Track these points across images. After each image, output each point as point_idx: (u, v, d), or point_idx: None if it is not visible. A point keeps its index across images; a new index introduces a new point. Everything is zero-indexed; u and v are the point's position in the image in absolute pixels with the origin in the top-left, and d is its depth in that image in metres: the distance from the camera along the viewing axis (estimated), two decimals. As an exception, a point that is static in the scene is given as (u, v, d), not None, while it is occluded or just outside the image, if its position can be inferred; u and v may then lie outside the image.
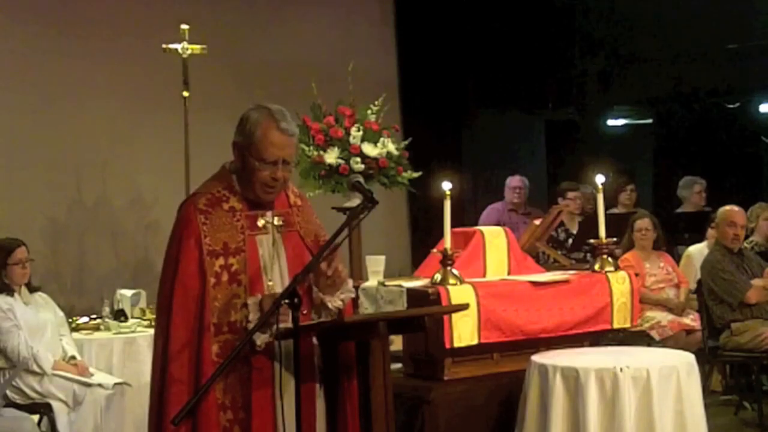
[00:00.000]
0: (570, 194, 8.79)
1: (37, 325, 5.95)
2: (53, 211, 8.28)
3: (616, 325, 5.22)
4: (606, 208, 5.46)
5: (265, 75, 8.97)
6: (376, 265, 5.14)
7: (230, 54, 8.81)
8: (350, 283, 3.58)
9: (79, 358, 6.06)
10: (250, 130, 3.47)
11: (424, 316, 3.73)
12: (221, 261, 3.44)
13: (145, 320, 6.90)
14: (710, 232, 7.92)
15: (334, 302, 3.52)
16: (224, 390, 3.39)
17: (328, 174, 6.25)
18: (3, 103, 7.99)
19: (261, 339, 3.36)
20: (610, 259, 5.32)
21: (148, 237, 8.53)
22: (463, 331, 4.71)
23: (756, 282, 6.90)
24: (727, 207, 7.15)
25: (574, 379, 4.44)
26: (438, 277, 4.80)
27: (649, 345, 6.98)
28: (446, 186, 4.82)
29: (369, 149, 6.26)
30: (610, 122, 12.17)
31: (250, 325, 3.35)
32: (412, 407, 4.66)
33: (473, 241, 5.19)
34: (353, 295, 3.63)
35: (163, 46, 7.57)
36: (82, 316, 6.93)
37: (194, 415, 3.35)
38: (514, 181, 9.46)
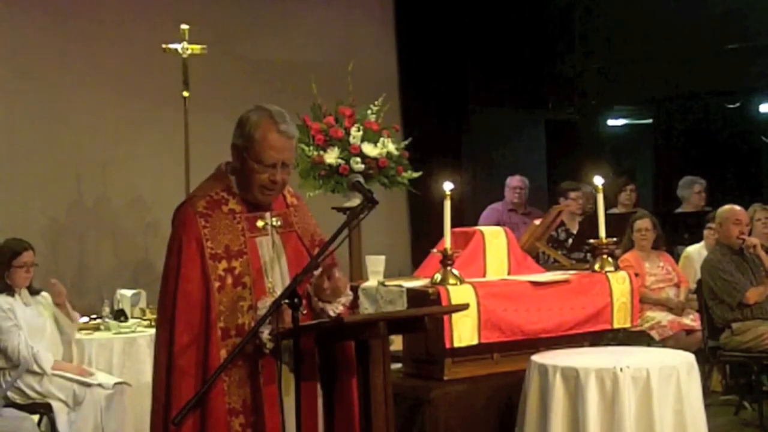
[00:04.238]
0: (572, 194, 8.78)
1: (38, 325, 5.95)
2: (53, 211, 8.28)
3: (616, 325, 5.22)
4: (606, 208, 5.46)
5: (265, 75, 8.97)
6: (376, 265, 5.14)
7: (230, 54, 8.81)
8: (348, 286, 3.57)
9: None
10: (249, 132, 3.44)
11: (424, 316, 3.72)
12: (224, 264, 3.42)
13: (145, 320, 6.90)
14: (707, 232, 7.92)
15: (335, 309, 3.51)
16: (234, 394, 3.38)
17: (328, 174, 6.26)
18: (3, 103, 7.99)
19: (266, 337, 3.34)
20: (610, 259, 5.32)
21: (148, 237, 8.53)
22: (463, 331, 4.71)
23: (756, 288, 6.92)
24: (728, 206, 7.14)
25: (574, 379, 4.44)
26: (438, 277, 4.80)
27: (649, 345, 6.98)
28: (447, 186, 4.82)
29: (369, 149, 6.27)
30: (610, 122, 12.17)
31: (264, 333, 3.34)
32: (412, 407, 4.66)
33: (473, 241, 5.19)
34: (351, 298, 3.63)
35: (163, 46, 7.57)
36: (82, 316, 6.92)
37: (204, 423, 3.33)
38: (514, 181, 9.45)
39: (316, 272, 3.47)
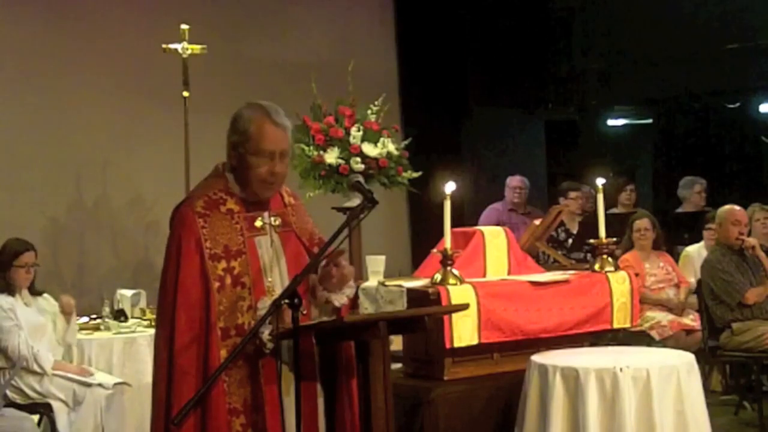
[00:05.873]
0: (572, 194, 8.79)
1: (38, 325, 5.96)
2: (53, 211, 8.28)
3: (616, 325, 5.22)
4: (606, 208, 5.46)
5: (265, 75, 8.97)
6: (376, 265, 5.14)
7: (230, 54, 8.82)
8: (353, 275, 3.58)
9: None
10: (244, 126, 3.46)
11: (425, 316, 3.72)
12: (223, 264, 3.42)
13: (145, 320, 6.90)
14: (707, 233, 7.92)
15: (340, 299, 3.53)
16: (234, 394, 3.38)
17: (328, 174, 6.26)
18: (3, 103, 7.99)
19: (266, 337, 3.34)
20: (610, 259, 5.32)
21: (148, 237, 8.53)
22: (463, 331, 4.71)
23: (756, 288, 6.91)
24: (728, 206, 7.15)
25: (574, 379, 4.44)
26: (438, 277, 4.80)
27: (649, 345, 6.98)
28: (450, 188, 4.80)
29: (369, 149, 6.27)
30: (610, 122, 12.18)
31: (264, 334, 3.34)
32: (412, 407, 4.66)
33: (473, 241, 5.19)
34: (355, 290, 3.63)
35: (163, 46, 7.58)
36: (82, 316, 6.92)
37: (205, 423, 3.34)
38: (514, 181, 9.46)
39: (319, 268, 3.47)
